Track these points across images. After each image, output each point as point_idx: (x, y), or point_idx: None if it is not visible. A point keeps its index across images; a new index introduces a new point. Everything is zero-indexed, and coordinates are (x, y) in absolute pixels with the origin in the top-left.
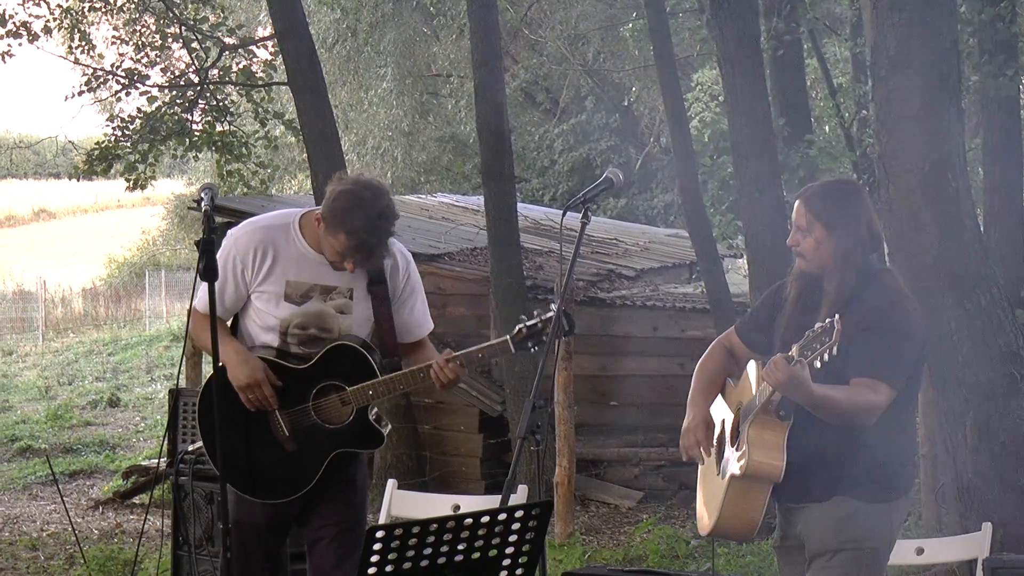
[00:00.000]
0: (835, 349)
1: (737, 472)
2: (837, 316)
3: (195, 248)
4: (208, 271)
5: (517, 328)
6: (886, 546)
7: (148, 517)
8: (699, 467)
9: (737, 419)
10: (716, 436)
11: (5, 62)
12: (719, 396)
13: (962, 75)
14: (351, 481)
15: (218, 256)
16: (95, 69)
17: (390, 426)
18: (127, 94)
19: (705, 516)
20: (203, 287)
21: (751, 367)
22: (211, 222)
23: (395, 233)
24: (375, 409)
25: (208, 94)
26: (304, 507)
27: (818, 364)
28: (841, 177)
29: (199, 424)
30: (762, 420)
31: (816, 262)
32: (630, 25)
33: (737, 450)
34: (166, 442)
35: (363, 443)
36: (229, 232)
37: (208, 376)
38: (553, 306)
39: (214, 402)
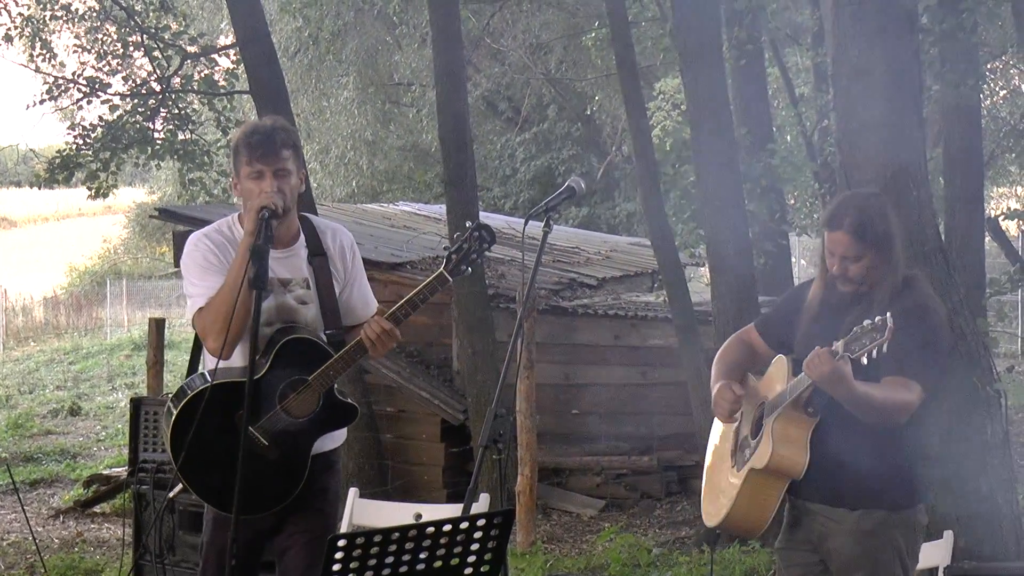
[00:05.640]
0: (885, 347)
1: (759, 465)
2: (889, 314)
3: (157, 257)
4: (257, 279)
5: (447, 257)
6: (914, 552)
7: (110, 526)
8: (707, 461)
9: (760, 413)
10: (735, 429)
11: None
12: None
13: (923, 84)
14: (324, 490)
15: (186, 272)
16: (56, 77)
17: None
18: (88, 102)
19: (715, 508)
20: (192, 300)
21: (777, 362)
22: (268, 230)
23: (289, 129)
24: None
25: (170, 102)
26: (278, 517)
27: (864, 360)
28: (864, 192)
29: (177, 462)
30: (789, 415)
31: (867, 283)
32: (592, 34)
33: (759, 443)
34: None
35: (340, 421)
36: (184, 254)
37: (174, 417)
38: (468, 223)
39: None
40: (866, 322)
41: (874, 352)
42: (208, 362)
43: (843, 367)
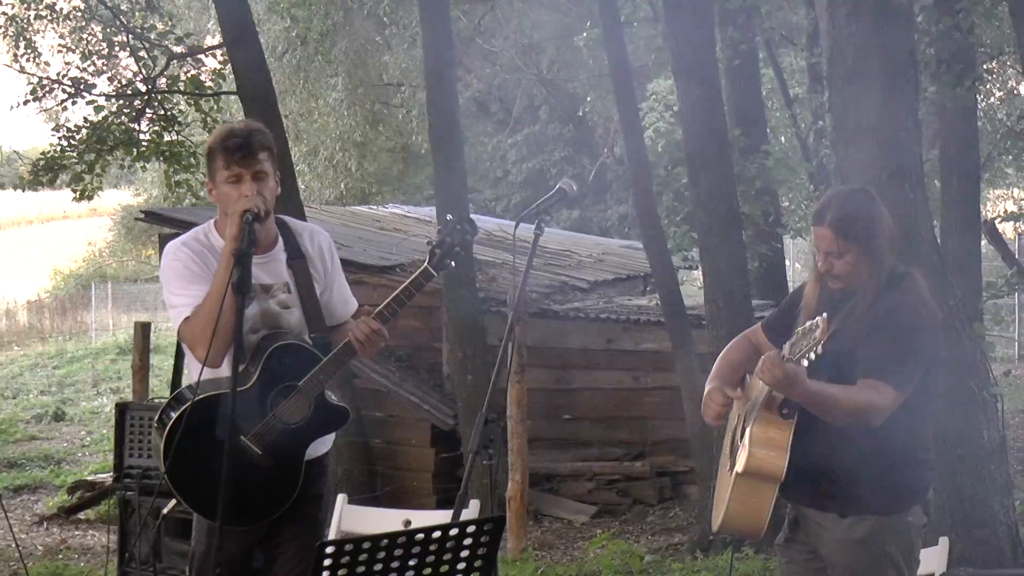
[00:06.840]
0: (820, 348)
1: (740, 469)
2: (824, 315)
3: (143, 260)
4: (241, 284)
5: (430, 252)
6: (910, 555)
7: (94, 532)
8: (719, 462)
9: (746, 415)
10: (731, 431)
11: None
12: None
13: (919, 85)
14: (318, 496)
15: (167, 282)
16: (41, 77)
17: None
18: (73, 103)
19: (716, 511)
20: (177, 310)
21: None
22: (252, 234)
23: (264, 131)
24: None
25: (156, 103)
26: (271, 524)
27: (805, 363)
28: (849, 187)
29: (169, 475)
30: (766, 418)
31: (855, 280)
32: (584, 35)
33: (742, 447)
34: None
35: (332, 425)
36: (163, 264)
37: (168, 427)
38: (449, 216)
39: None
40: (808, 323)
41: (811, 354)
42: (194, 370)
43: (794, 369)
